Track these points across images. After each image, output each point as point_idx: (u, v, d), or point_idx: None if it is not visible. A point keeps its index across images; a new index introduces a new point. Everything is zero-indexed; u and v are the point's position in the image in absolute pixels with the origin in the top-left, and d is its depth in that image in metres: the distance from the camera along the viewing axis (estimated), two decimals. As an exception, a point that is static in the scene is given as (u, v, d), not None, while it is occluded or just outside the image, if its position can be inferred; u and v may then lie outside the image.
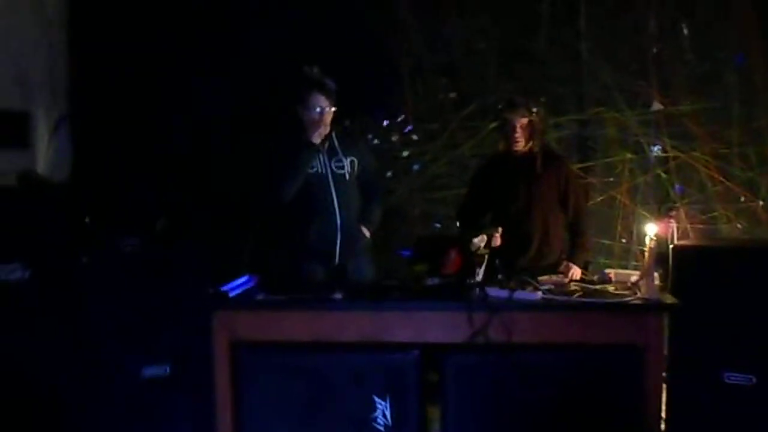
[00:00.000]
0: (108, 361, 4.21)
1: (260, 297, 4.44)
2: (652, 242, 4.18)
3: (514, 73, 5.79)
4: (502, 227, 4.72)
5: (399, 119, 5.95)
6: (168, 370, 4.28)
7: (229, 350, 4.33)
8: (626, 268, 5.43)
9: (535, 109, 4.89)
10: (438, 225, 5.83)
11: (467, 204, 5.17)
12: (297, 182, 4.74)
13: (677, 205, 5.59)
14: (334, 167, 4.81)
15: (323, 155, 4.80)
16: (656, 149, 5.76)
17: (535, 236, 4.93)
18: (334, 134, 4.82)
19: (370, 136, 5.98)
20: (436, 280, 4.42)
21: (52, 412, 4.21)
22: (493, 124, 5.65)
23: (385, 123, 5.98)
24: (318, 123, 4.70)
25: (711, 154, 5.70)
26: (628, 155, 5.75)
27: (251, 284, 4.60)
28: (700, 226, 5.63)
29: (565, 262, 4.89)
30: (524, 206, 4.91)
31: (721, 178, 5.69)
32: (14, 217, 4.35)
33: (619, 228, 5.74)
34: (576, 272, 4.81)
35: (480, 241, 4.43)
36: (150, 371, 4.26)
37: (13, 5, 5.39)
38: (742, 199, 5.69)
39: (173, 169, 5.72)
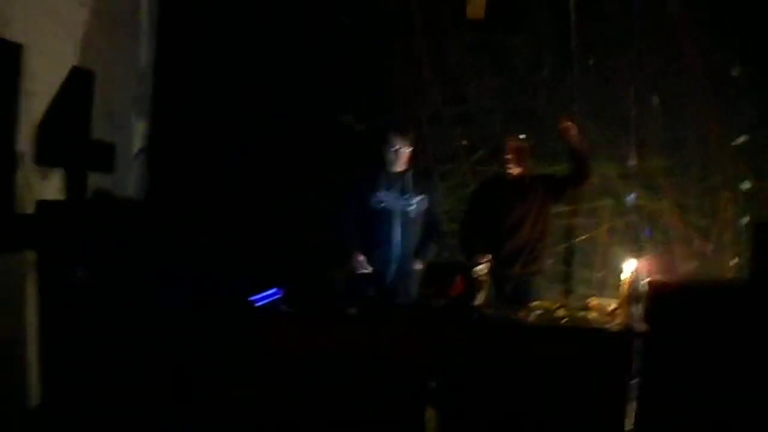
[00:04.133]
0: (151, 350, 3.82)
1: (284, 308, 3.92)
2: (631, 276, 3.67)
3: (518, 127, 5.13)
4: (498, 240, 4.34)
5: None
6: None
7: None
8: (602, 296, 4.68)
9: (523, 136, 4.60)
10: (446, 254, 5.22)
11: (467, 220, 4.70)
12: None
13: (644, 245, 5.07)
14: (402, 204, 4.40)
15: (395, 192, 4.37)
16: (631, 197, 5.25)
17: (524, 248, 4.49)
18: (410, 173, 4.41)
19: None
20: (441, 302, 3.92)
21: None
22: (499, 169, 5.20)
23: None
24: (394, 160, 4.33)
25: (674, 203, 5.24)
26: (608, 201, 5.27)
27: (278, 296, 4.08)
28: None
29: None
30: (516, 222, 4.46)
31: (681, 224, 5.19)
32: (89, 227, 4.10)
33: (598, 262, 5.24)
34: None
35: (482, 268, 3.93)
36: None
37: (109, 58, 4.96)
38: (696, 242, 5.22)
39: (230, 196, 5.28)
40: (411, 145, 4.34)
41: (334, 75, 5.45)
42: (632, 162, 5.24)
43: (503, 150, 4.47)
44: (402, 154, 4.32)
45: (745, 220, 5.11)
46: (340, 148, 5.33)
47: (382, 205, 4.32)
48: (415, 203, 4.34)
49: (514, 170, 4.50)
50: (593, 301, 4.16)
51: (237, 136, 5.40)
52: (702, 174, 5.26)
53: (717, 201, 5.23)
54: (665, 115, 5.27)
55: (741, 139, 5.14)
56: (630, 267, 3.75)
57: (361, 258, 4.32)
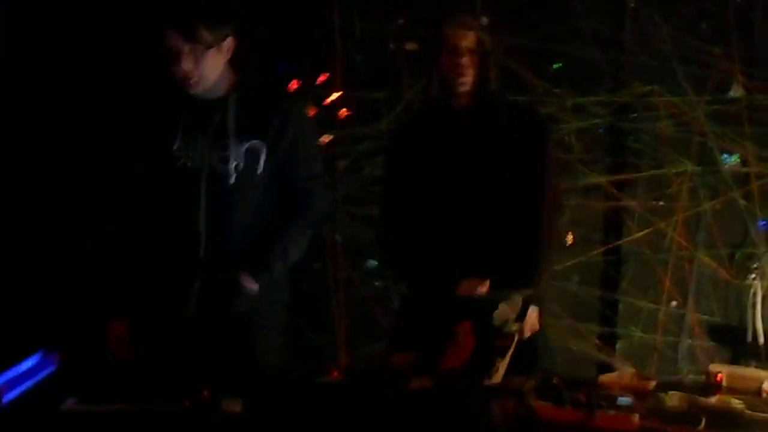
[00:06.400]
0: None
1: (70, 403, 2.58)
2: None
3: (518, 19, 3.95)
4: (426, 228, 3.05)
5: (318, 80, 4.08)
6: None
7: None
8: (676, 345, 3.94)
9: (484, 21, 3.35)
10: (374, 262, 4.03)
11: (389, 198, 3.26)
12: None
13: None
14: (215, 160, 3.04)
15: (203, 137, 3.04)
16: (732, 159, 4.09)
17: (471, 245, 3.05)
18: (233, 99, 3.06)
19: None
20: (426, 382, 2.50)
21: None
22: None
23: (293, 85, 4.06)
24: (182, 80, 2.99)
25: None
26: (689, 166, 4.02)
27: (47, 372, 2.87)
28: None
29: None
30: (459, 192, 3.08)
31: None
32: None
33: (667, 282, 4.00)
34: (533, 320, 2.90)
35: (510, 309, 2.58)
36: None
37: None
38: None
39: None
40: (214, 40, 3.00)
41: None
42: (736, 92, 4.02)
43: (443, 45, 3.11)
44: (188, 63, 3.00)
45: None
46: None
47: (179, 164, 3.08)
48: (240, 157, 3.06)
49: (467, 86, 3.07)
50: (720, 373, 3.06)
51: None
52: None
53: None
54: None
55: None
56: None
57: (121, 331, 3.12)
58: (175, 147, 3.02)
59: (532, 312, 2.80)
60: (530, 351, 2.85)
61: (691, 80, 4.08)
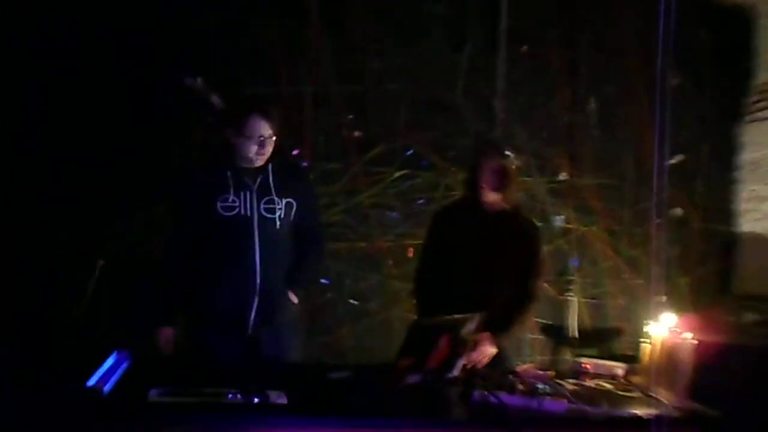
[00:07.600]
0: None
1: (153, 393, 2.99)
2: (671, 336, 3.45)
3: (426, 120, 5.09)
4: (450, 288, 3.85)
5: (293, 153, 5.03)
6: None
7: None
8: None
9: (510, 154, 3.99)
10: (326, 281, 5.01)
11: (426, 260, 4.05)
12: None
13: (573, 278, 4.88)
14: (263, 210, 3.78)
15: (251, 193, 3.79)
16: (560, 220, 5.34)
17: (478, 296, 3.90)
18: (270, 167, 3.80)
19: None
20: (417, 378, 3.39)
21: None
22: (399, 173, 5.08)
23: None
24: (257, 155, 3.73)
25: (606, 229, 5.32)
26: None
27: (125, 367, 3.26)
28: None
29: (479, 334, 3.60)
30: (479, 272, 3.91)
31: (612, 255, 5.32)
32: None
33: None
34: (487, 351, 3.72)
35: (475, 323, 3.54)
36: None
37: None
38: (626, 276, 5.31)
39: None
40: (277, 132, 3.76)
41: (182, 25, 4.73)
42: (563, 176, 5.24)
43: (479, 171, 3.93)
44: (268, 145, 3.72)
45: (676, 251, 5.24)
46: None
47: (234, 213, 3.75)
48: (282, 208, 3.81)
49: (494, 197, 3.95)
50: (587, 363, 3.79)
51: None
52: (635, 197, 5.33)
53: (648, 229, 5.24)
54: (601, 123, 5.32)
55: (677, 159, 5.32)
56: (667, 323, 3.48)
57: (168, 335, 3.79)
58: (229, 199, 3.73)
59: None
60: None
61: (536, 167, 5.25)
